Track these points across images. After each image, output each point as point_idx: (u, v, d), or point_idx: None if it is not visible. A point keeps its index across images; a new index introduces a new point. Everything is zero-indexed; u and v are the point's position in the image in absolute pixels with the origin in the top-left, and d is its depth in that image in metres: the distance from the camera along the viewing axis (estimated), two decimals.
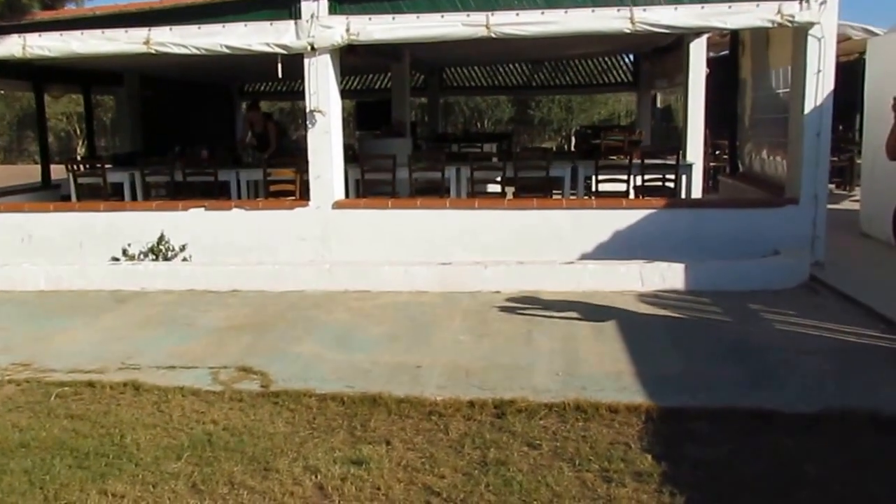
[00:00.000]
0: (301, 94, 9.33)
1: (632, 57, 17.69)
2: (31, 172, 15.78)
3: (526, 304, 7.69)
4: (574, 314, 7.27)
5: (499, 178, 10.89)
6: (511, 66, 19.16)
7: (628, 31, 8.38)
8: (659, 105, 20.85)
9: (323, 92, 8.90)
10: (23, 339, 7.04)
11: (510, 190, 10.62)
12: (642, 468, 4.20)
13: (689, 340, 6.49)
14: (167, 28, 8.88)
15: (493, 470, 4.23)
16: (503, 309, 7.55)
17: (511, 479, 4.12)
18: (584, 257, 8.58)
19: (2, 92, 26.60)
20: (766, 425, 4.71)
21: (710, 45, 12.32)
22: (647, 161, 10.36)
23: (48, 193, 12.72)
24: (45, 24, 9.11)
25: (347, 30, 8.65)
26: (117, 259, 9.26)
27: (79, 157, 17.05)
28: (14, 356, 6.45)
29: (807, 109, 8.38)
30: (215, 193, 10.79)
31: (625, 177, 10.33)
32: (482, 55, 16.18)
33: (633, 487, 3.99)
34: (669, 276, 8.01)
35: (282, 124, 13.53)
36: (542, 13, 8.41)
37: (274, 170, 10.47)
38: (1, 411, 5.28)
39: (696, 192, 10.88)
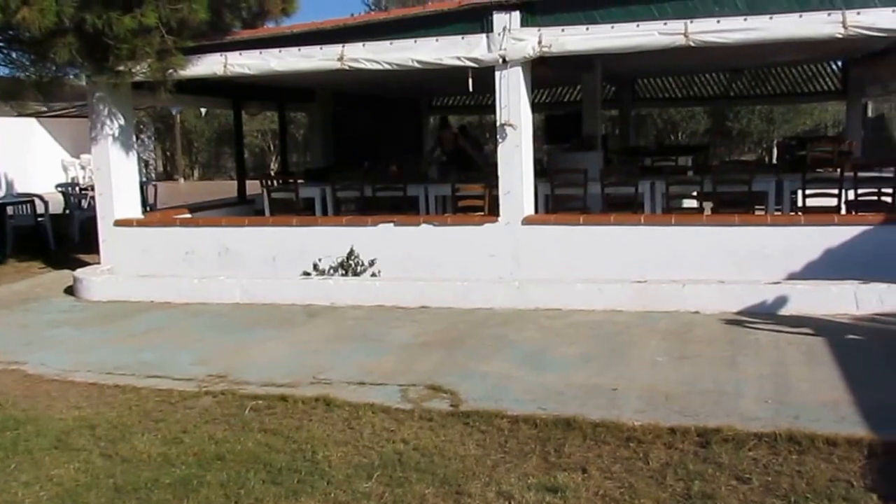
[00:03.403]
0: (489, 108, 9.22)
1: (840, 63, 16.65)
2: (227, 188, 16.48)
3: (728, 326, 7.27)
4: (782, 337, 6.79)
5: (695, 193, 10.41)
6: (707, 75, 18.42)
7: (840, 36, 7.76)
8: (870, 114, 19.56)
9: (514, 105, 8.74)
10: (220, 350, 7.23)
11: (708, 205, 10.13)
12: None
13: None
14: (360, 44, 8.95)
15: None
16: (703, 330, 7.15)
17: None
18: (792, 277, 8.01)
19: (204, 110, 28.03)
20: None
21: None
22: (860, 174, 9.62)
23: (244, 208, 13.17)
24: (244, 42, 9.37)
25: (540, 42, 8.46)
26: (308, 273, 9.41)
27: (272, 173, 17.69)
28: (211, 367, 6.61)
29: None
30: (404, 208, 10.84)
31: (835, 191, 9.63)
32: (677, 65, 15.66)
33: None
34: (889, 298, 7.37)
35: (477, 138, 13.40)
36: (745, 19, 7.92)
37: (462, 185, 10.41)
38: (198, 422, 5.40)
39: None
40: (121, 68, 9.02)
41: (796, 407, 5.14)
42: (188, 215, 11.35)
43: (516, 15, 8.52)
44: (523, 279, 8.60)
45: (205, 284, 9.35)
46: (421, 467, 4.50)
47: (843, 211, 9.63)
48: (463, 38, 8.72)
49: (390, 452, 4.73)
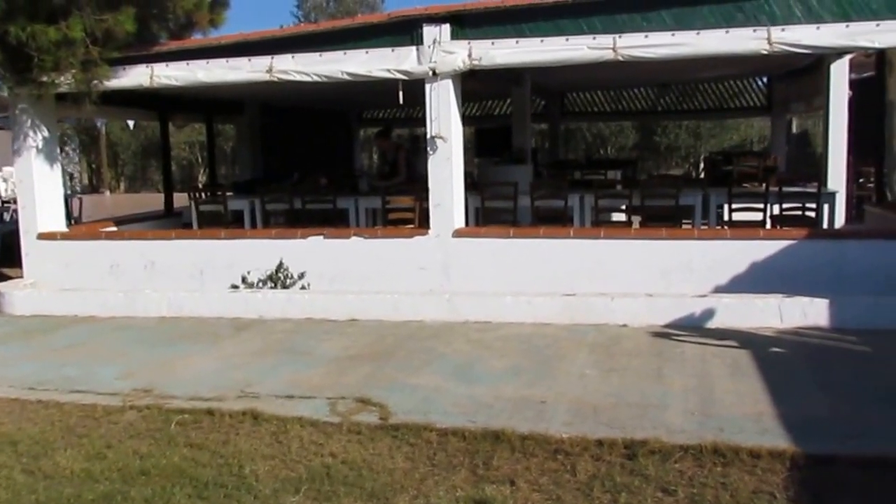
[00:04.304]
0: (420, 121, 9.23)
1: (765, 79, 17.02)
2: (154, 201, 16.21)
3: (656, 338, 7.35)
4: (708, 350, 6.89)
5: (624, 207, 10.53)
6: (636, 90, 18.64)
7: (765, 52, 7.93)
8: (794, 130, 20.00)
9: (444, 118, 8.76)
10: (145, 365, 7.09)
11: (636, 219, 10.25)
12: None
13: (837, 381, 6.04)
14: (289, 56, 8.89)
15: None
16: (631, 343, 7.22)
17: None
18: (718, 290, 8.15)
19: (132, 122, 27.56)
20: None
21: (853, 66, 11.67)
22: (784, 189, 9.83)
23: (171, 221, 12.96)
24: (171, 53, 9.25)
25: (469, 55, 8.50)
26: (237, 286, 9.31)
27: (200, 185, 17.48)
28: (136, 382, 6.48)
29: None
30: (334, 221, 10.77)
31: (760, 205, 9.82)
32: (606, 79, 15.85)
33: None
34: (812, 311, 7.53)
35: (411, 153, 13.39)
36: (673, 34, 8.05)
37: (393, 197, 10.39)
38: (123, 438, 5.29)
39: (840, 223, 10.29)
40: (44, 79, 8.82)
41: (721, 419, 5.21)
42: (114, 228, 11.14)
43: (446, 28, 8.55)
44: (453, 292, 8.60)
45: (130, 298, 9.16)
46: (349, 481, 4.46)
47: (768, 225, 9.83)
48: (393, 50, 8.72)
49: (318, 466, 4.68)
